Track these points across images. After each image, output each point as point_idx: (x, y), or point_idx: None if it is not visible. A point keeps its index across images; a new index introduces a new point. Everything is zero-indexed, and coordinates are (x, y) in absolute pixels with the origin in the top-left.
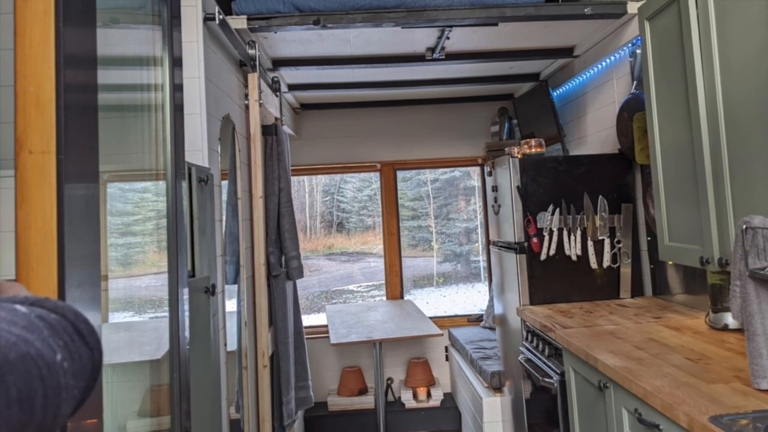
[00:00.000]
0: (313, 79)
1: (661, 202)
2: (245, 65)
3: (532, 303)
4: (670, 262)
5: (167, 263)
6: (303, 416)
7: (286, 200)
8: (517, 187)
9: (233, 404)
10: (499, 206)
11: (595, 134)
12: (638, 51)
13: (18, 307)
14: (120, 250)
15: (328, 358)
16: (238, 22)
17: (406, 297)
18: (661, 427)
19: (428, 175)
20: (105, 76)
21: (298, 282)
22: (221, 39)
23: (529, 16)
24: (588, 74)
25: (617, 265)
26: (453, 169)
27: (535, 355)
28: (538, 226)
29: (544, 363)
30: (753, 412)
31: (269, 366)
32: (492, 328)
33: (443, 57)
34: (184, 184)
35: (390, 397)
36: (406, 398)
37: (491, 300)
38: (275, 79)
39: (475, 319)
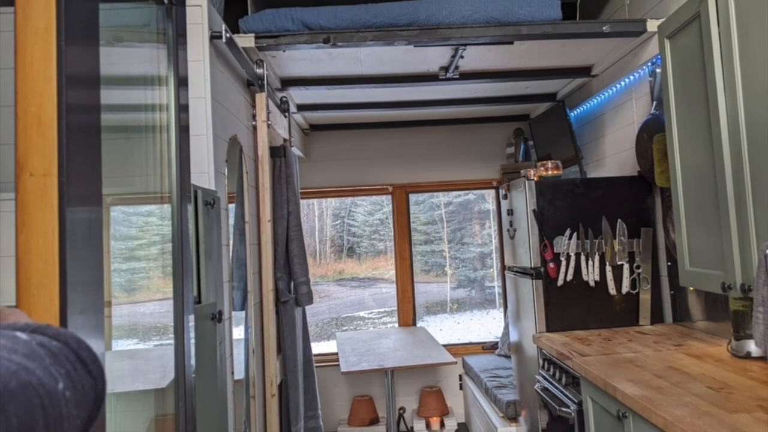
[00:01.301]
0: (322, 99)
1: (682, 226)
2: (253, 85)
3: (548, 330)
4: (691, 288)
5: (172, 289)
6: None
7: (295, 224)
8: (534, 210)
9: None
10: (515, 230)
11: (613, 156)
12: (658, 70)
13: (18, 334)
14: (124, 275)
15: (338, 386)
16: (245, 41)
17: (419, 324)
18: None
19: (442, 198)
20: (108, 96)
21: (308, 308)
22: (228, 58)
23: (546, 35)
24: (606, 94)
25: (636, 291)
26: (467, 192)
27: (551, 383)
28: (555, 250)
29: (561, 392)
30: None
31: (278, 395)
32: (507, 356)
33: (457, 76)
34: (190, 208)
35: (402, 427)
36: (419, 428)
37: (506, 327)
38: (284, 99)
39: (489, 347)
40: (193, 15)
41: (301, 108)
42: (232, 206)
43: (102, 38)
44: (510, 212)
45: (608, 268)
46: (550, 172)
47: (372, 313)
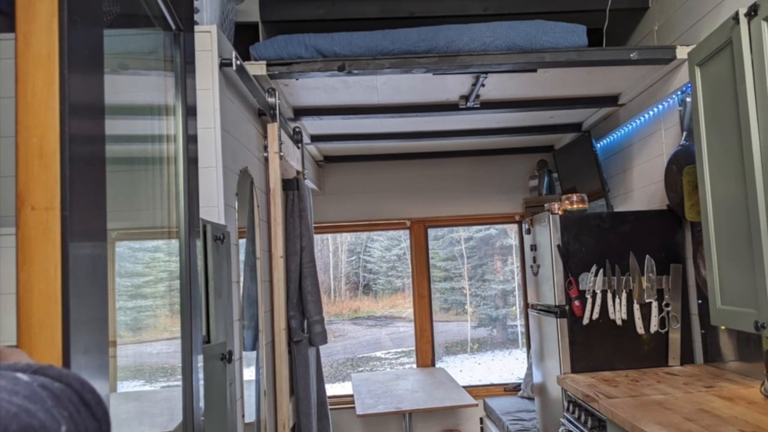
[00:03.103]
0: (337, 129)
1: (713, 263)
2: (264, 114)
3: (573, 371)
4: (723, 327)
5: (180, 328)
6: None
7: (309, 260)
8: (558, 246)
9: None
10: (538, 267)
11: (641, 189)
12: (688, 99)
13: (19, 375)
14: (129, 313)
15: (353, 430)
16: (256, 68)
17: (438, 364)
18: None
19: (462, 233)
20: (113, 126)
21: (322, 348)
22: (239, 86)
23: (571, 62)
24: (634, 124)
25: (665, 330)
26: (488, 226)
27: (577, 427)
28: (581, 288)
29: None
30: None
31: None
32: (531, 398)
33: (478, 105)
34: (199, 243)
35: None
36: None
37: (530, 368)
38: (297, 129)
39: (512, 389)
40: (202, 41)
41: (315, 139)
42: (242, 241)
43: (106, 66)
44: (533, 248)
45: (636, 306)
46: (575, 206)
47: (389, 353)
